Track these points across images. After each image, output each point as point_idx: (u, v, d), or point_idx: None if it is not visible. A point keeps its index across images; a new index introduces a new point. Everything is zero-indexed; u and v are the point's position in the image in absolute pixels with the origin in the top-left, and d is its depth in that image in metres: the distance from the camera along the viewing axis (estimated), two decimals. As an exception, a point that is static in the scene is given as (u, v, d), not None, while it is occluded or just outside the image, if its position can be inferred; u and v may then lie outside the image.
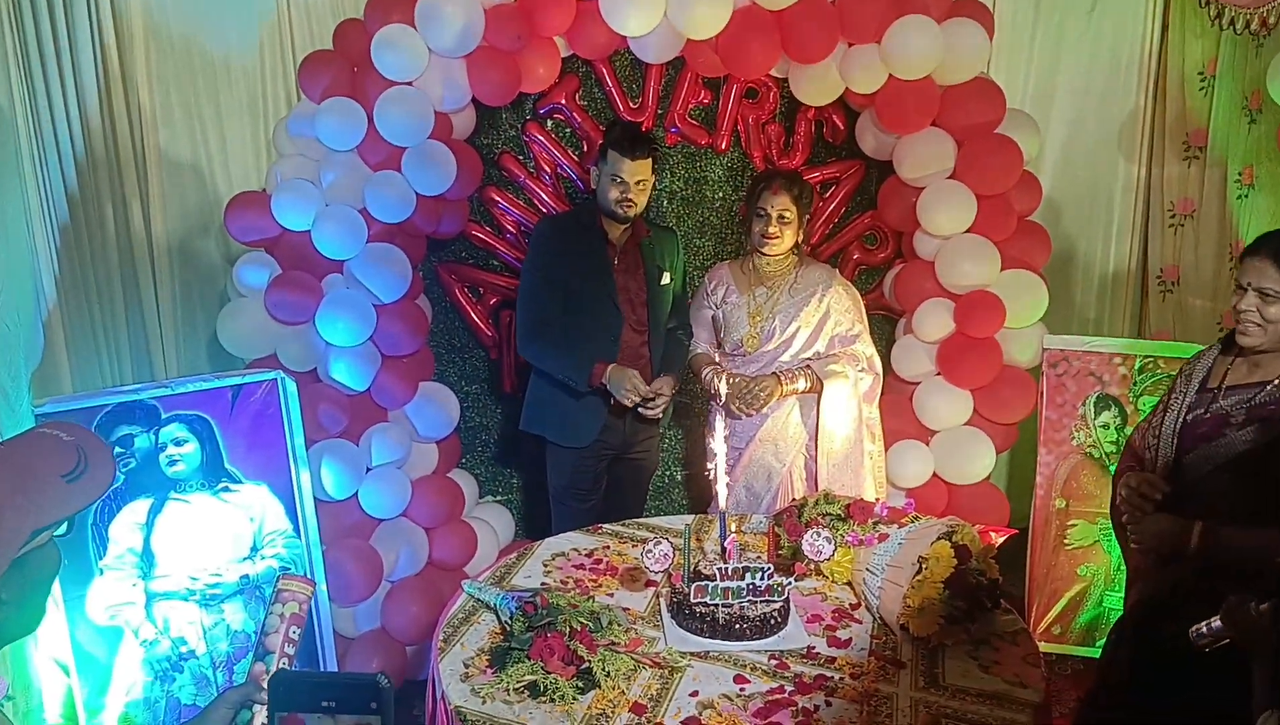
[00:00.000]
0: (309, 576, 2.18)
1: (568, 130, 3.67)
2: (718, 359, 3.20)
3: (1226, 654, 1.91)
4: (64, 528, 1.14)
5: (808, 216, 3.13)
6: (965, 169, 3.36)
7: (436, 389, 3.45)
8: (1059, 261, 3.88)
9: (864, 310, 3.23)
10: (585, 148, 3.67)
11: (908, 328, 3.62)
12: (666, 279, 3.15)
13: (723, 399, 2.97)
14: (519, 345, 3.15)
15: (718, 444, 2.40)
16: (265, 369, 2.96)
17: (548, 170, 3.69)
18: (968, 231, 3.38)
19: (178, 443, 2.76)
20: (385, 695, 0.89)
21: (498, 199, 3.68)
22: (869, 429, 3.17)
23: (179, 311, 3.63)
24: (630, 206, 2.97)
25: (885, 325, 3.87)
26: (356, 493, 3.17)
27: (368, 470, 3.20)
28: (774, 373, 3.06)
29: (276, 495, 2.91)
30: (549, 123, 3.67)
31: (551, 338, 3.03)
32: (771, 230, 3.02)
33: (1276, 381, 2.04)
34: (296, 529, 2.94)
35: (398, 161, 3.10)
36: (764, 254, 3.09)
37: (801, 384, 3.05)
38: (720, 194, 3.78)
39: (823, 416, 3.06)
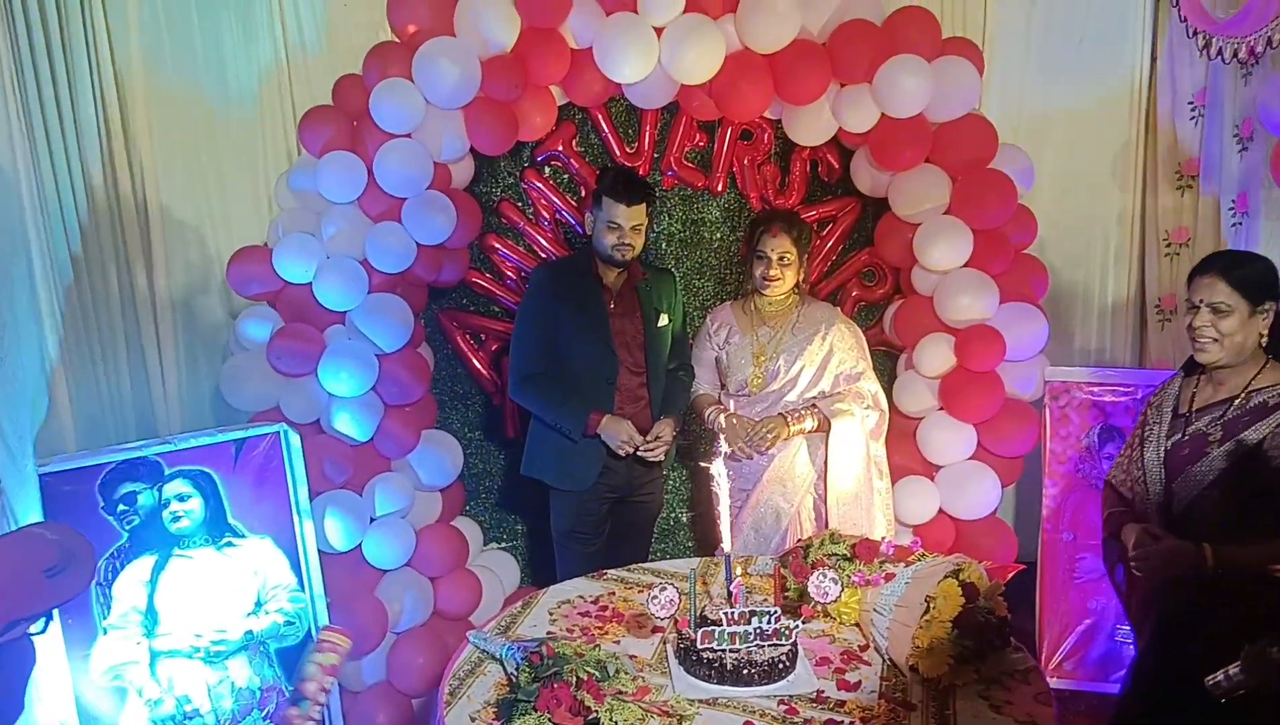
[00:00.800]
0: (344, 630, 2.17)
1: (565, 176, 3.70)
2: (721, 400, 3.20)
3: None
4: (41, 624, 1.17)
5: (807, 255, 3.15)
6: (960, 204, 3.38)
7: (439, 437, 3.45)
8: (1058, 294, 3.89)
9: (867, 347, 3.24)
10: (583, 193, 3.70)
11: (908, 363, 3.62)
12: (664, 321, 3.16)
13: (721, 441, 2.97)
14: (510, 390, 3.16)
15: (721, 485, 2.39)
16: (268, 422, 2.97)
17: (546, 216, 3.72)
18: (965, 266, 3.40)
19: (181, 498, 2.76)
20: None
21: (497, 246, 3.71)
22: (877, 466, 3.17)
23: (182, 367, 3.64)
24: (627, 251, 2.99)
25: (886, 361, 3.87)
26: (360, 544, 3.16)
27: (371, 520, 3.19)
28: (780, 413, 3.06)
29: (280, 548, 2.90)
30: (547, 169, 3.71)
31: (543, 384, 3.05)
32: (773, 272, 3.04)
33: (1243, 394, 2.11)
34: (300, 582, 2.93)
35: (398, 212, 3.13)
36: (765, 295, 3.11)
37: (809, 423, 3.06)
38: (718, 235, 3.80)
39: (831, 455, 3.06)
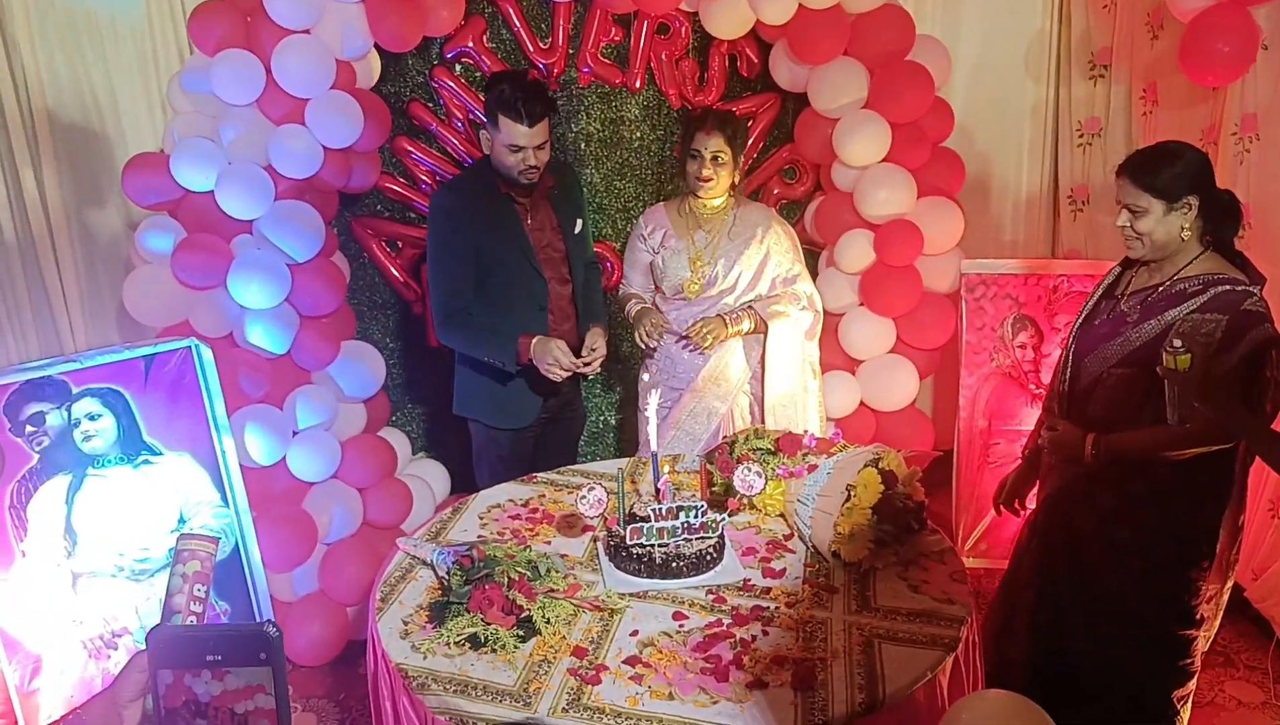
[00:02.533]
0: (211, 535, 2.14)
1: (477, 74, 3.58)
2: (657, 303, 3.13)
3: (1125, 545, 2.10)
4: None
5: (742, 155, 3.02)
6: (878, 98, 3.37)
7: (360, 347, 3.40)
8: (973, 186, 3.94)
9: (800, 249, 3.18)
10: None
11: (829, 260, 3.65)
12: (580, 225, 3.02)
13: (649, 337, 2.96)
14: (437, 333, 2.93)
15: (648, 384, 2.41)
16: (177, 337, 2.88)
17: (459, 116, 3.61)
18: (883, 161, 3.41)
19: (92, 417, 2.67)
20: (275, 645, 0.84)
21: (410, 149, 3.60)
22: (811, 367, 3.17)
23: (83, 282, 3.50)
24: (533, 174, 2.76)
25: (809, 258, 3.89)
26: (284, 457, 3.12)
27: (294, 434, 3.15)
28: (719, 315, 3.02)
29: (200, 465, 2.85)
30: (457, 67, 3.58)
31: (465, 321, 2.83)
32: (706, 173, 2.92)
33: (1168, 281, 2.17)
34: (224, 498, 2.89)
35: (301, 114, 3.01)
36: (700, 197, 3.00)
37: (746, 325, 3.01)
38: (638, 134, 3.75)
39: (768, 357, 3.05)
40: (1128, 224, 2.18)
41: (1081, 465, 2.24)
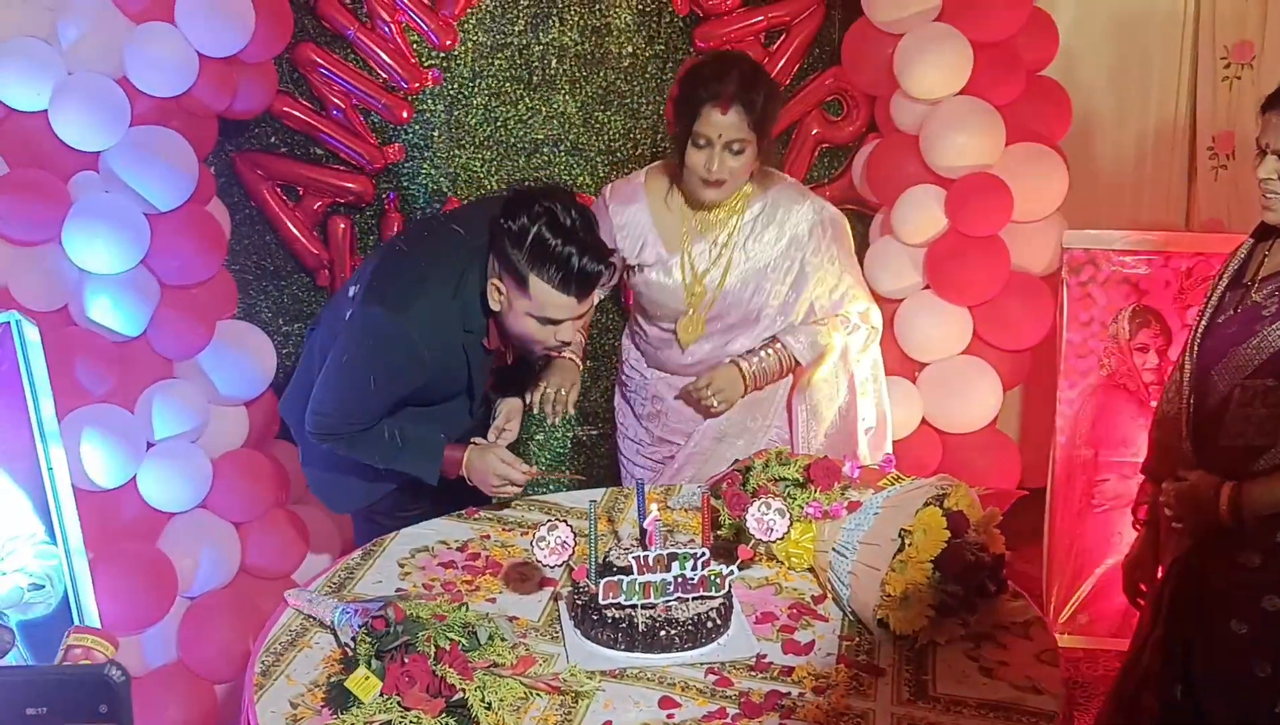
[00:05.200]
0: (107, 630, 2.13)
1: (412, -38, 3.60)
2: (638, 321, 3.06)
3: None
4: None
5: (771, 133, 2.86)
6: (956, 7, 3.39)
7: (241, 329, 3.41)
8: (1081, 131, 3.95)
9: (853, 249, 3.06)
10: (438, -12, 3.60)
11: (885, 226, 3.66)
12: None
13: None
14: (313, 432, 2.73)
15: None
16: (-8, 309, 2.88)
17: (386, 19, 3.61)
18: (961, 93, 3.42)
19: None
20: (119, 693, 0.84)
21: (318, 60, 3.60)
22: (861, 387, 3.09)
23: None
24: (559, 349, 2.71)
25: (856, 223, 3.90)
26: (134, 477, 3.12)
27: (149, 446, 3.14)
28: (733, 361, 2.92)
29: (17, 484, 2.84)
30: (385, -49, 3.59)
31: (365, 436, 2.69)
32: (717, 171, 2.72)
33: None
34: (50, 531, 2.88)
35: (169, 9, 3.01)
36: (705, 198, 2.85)
37: (773, 371, 2.93)
38: (628, 49, 3.76)
39: (806, 405, 3.02)
40: (1276, 176, 2.16)
41: (1217, 525, 2.23)
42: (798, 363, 2.94)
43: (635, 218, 2.93)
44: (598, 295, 2.58)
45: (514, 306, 2.51)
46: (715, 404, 2.90)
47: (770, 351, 2.93)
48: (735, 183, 2.80)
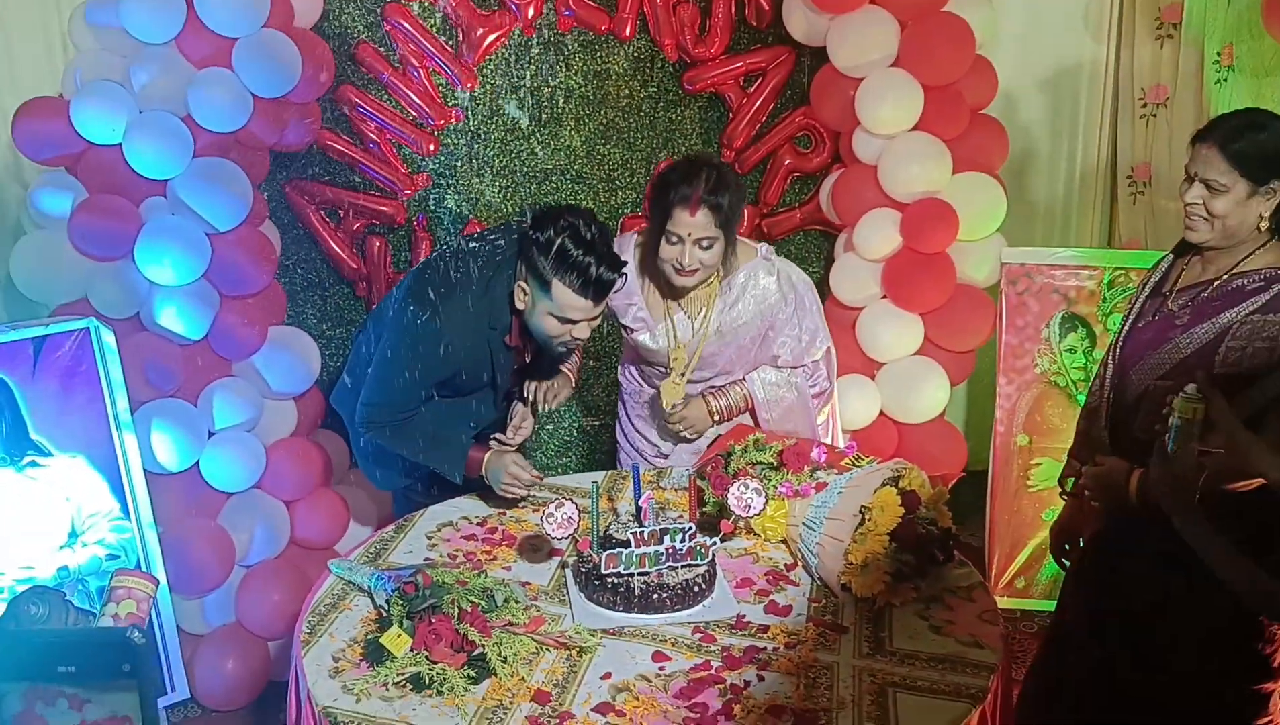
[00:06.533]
0: (150, 572, 2.14)
1: (437, 15, 3.59)
2: (629, 369, 3.02)
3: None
4: None
5: (739, 223, 2.78)
6: (909, 55, 3.39)
7: (290, 334, 3.40)
8: (1018, 162, 3.96)
9: (818, 300, 2.91)
10: (461, 36, 3.60)
11: (848, 245, 3.66)
12: None
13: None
14: (361, 428, 2.75)
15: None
16: (74, 316, 2.87)
17: (416, 65, 3.61)
18: (914, 129, 3.42)
19: (-33, 410, 2.67)
20: (140, 653, 0.82)
21: (357, 101, 3.60)
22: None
23: (-38, 249, 3.47)
24: (574, 346, 2.68)
25: (824, 242, 3.92)
26: (197, 462, 3.12)
27: (210, 435, 3.14)
28: (703, 396, 2.86)
29: (97, 468, 2.84)
30: (415, 6, 3.58)
31: (413, 425, 2.69)
32: (688, 263, 2.63)
33: (1226, 275, 2.13)
34: (124, 508, 2.88)
35: (227, 56, 3.01)
36: (677, 284, 2.74)
37: (736, 400, 2.87)
38: (626, 91, 3.76)
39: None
40: (1200, 201, 2.12)
41: (1128, 506, 2.20)
42: (750, 397, 2.86)
43: (627, 279, 2.75)
44: (609, 301, 2.58)
45: (537, 306, 2.51)
46: (687, 434, 2.89)
47: (736, 389, 2.87)
48: (705, 272, 2.71)
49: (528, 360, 2.79)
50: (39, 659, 0.81)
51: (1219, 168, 2.09)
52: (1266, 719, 2.28)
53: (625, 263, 2.54)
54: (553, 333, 2.53)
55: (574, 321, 2.50)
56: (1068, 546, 2.53)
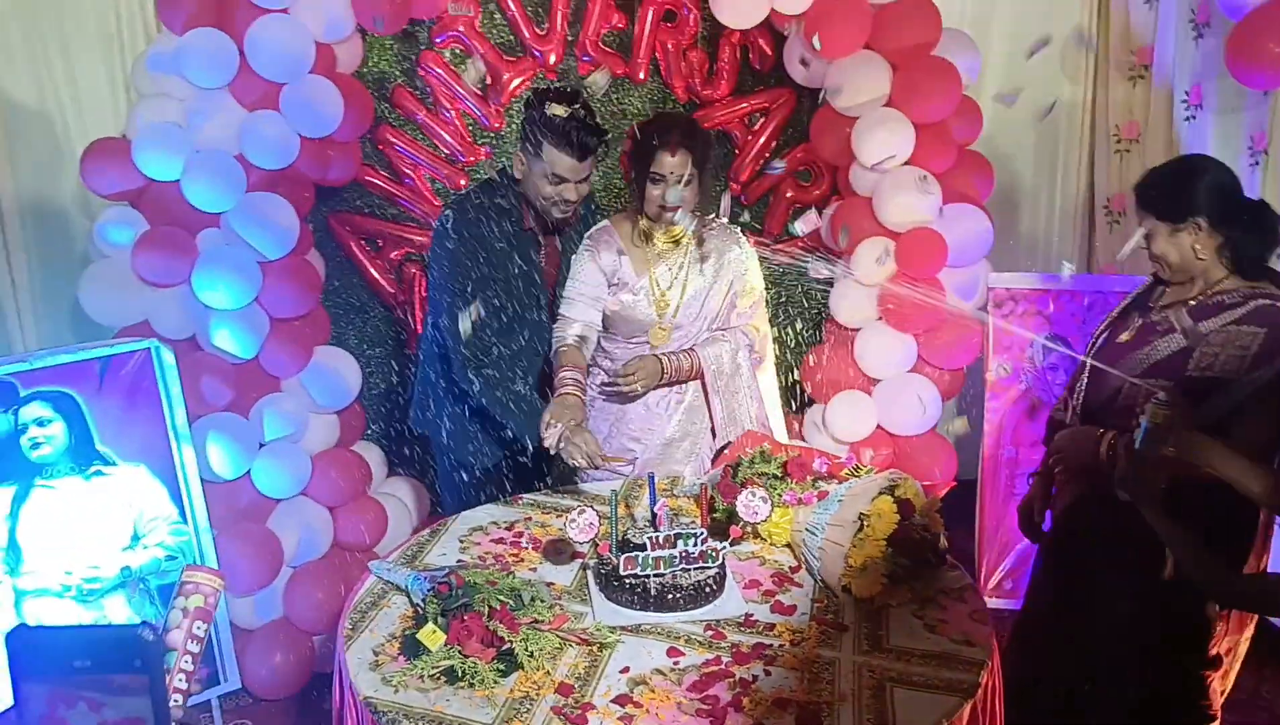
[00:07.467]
0: (217, 570, 2.14)
1: (468, 61, 3.60)
2: (604, 349, 2.95)
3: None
4: None
5: (709, 171, 2.83)
6: (901, 95, 3.39)
7: (334, 353, 3.41)
8: (1003, 194, 3.95)
9: (759, 269, 2.99)
10: (489, 81, 3.62)
11: (846, 270, 3.66)
12: None
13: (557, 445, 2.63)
14: (468, 370, 2.75)
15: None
16: (137, 338, 2.89)
17: (448, 106, 3.62)
18: (906, 163, 3.42)
19: (40, 423, 2.67)
20: (150, 650, 0.81)
21: (394, 140, 3.62)
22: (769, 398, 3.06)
23: (36, 276, 3.51)
24: (568, 208, 2.75)
25: (822, 267, 3.91)
26: (249, 471, 3.13)
27: (260, 446, 3.15)
28: (654, 355, 2.84)
29: (157, 477, 2.85)
30: (447, 53, 3.60)
31: (494, 372, 2.70)
32: (673, 199, 2.70)
33: (1205, 293, 2.17)
34: (182, 513, 2.89)
35: (276, 99, 3.03)
36: (661, 227, 2.80)
37: (683, 364, 2.86)
38: (640, 129, 3.76)
39: (725, 402, 2.93)
40: (1142, 245, 2.21)
41: (1097, 470, 2.20)
42: (698, 365, 2.87)
43: (612, 254, 2.86)
44: (590, 164, 2.73)
45: (532, 171, 2.71)
46: (632, 385, 2.80)
47: (684, 354, 2.87)
48: (686, 208, 2.77)
49: (546, 265, 2.89)
50: (55, 654, 0.80)
51: (1140, 214, 2.19)
52: (1205, 703, 2.29)
53: (606, 132, 2.78)
54: (546, 194, 2.71)
55: (564, 180, 2.68)
56: (1035, 519, 2.53)
